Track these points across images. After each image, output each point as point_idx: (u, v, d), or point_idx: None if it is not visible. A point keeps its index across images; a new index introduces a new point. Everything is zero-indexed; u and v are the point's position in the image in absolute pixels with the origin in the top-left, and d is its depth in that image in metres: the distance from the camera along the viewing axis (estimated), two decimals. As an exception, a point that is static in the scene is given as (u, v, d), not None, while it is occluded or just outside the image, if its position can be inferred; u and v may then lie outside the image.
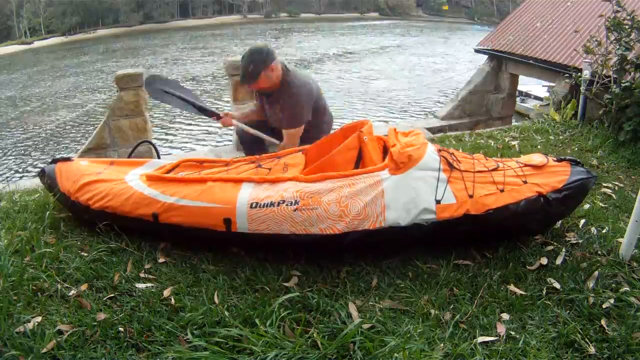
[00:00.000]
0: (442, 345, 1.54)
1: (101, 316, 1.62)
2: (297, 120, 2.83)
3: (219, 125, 3.11)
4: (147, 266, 1.96)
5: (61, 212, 2.37)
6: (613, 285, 1.86)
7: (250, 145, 3.15)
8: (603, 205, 2.59)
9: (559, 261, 2.01)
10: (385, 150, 2.39)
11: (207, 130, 13.10)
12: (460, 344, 1.54)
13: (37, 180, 2.69)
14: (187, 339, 1.53)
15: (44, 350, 1.46)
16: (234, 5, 56.92)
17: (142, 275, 1.90)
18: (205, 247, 2.09)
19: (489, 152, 3.55)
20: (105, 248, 2.04)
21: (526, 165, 2.20)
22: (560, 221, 2.32)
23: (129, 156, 2.82)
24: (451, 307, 1.76)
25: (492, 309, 1.75)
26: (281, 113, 2.84)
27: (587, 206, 2.53)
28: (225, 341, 1.52)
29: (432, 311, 1.73)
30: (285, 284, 1.87)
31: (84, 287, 1.80)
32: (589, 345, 1.57)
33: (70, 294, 1.76)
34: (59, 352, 1.46)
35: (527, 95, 14.02)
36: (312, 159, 2.44)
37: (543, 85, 12.77)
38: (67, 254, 1.99)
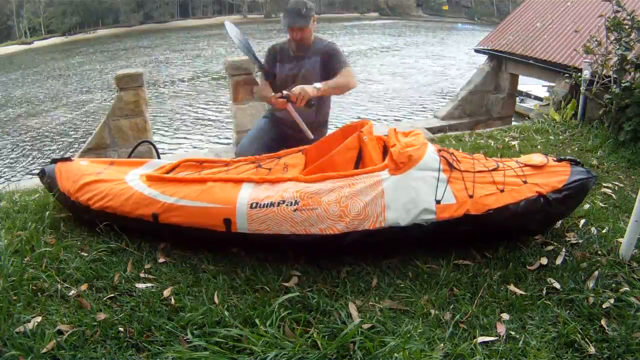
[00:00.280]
0: (442, 345, 1.54)
1: (101, 316, 1.62)
2: (346, 60, 2.81)
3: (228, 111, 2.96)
4: (147, 266, 1.97)
5: (61, 212, 2.37)
6: (613, 285, 1.86)
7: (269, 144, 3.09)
8: (603, 205, 2.59)
9: (559, 261, 2.01)
10: (385, 151, 2.39)
11: (207, 131, 13.13)
12: (460, 344, 1.54)
13: (37, 180, 2.69)
14: (187, 339, 1.54)
15: (44, 350, 1.46)
16: (234, 5, 56.95)
17: (142, 275, 1.90)
18: (205, 247, 2.09)
19: (489, 152, 3.56)
20: (105, 248, 2.04)
21: (526, 165, 2.20)
22: (560, 221, 2.32)
23: (129, 156, 2.82)
24: (451, 307, 1.76)
25: (492, 309, 1.75)
26: (325, 63, 2.78)
27: (587, 206, 2.53)
28: (225, 341, 1.52)
29: (432, 311, 1.73)
30: (285, 284, 1.87)
31: (84, 287, 1.80)
32: (589, 345, 1.57)
33: (70, 294, 1.76)
34: (59, 352, 1.46)
35: (527, 95, 14.02)
36: (312, 159, 2.44)
37: (543, 85, 12.77)
38: (67, 254, 1.99)
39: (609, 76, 4.18)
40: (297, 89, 2.53)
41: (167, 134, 13.14)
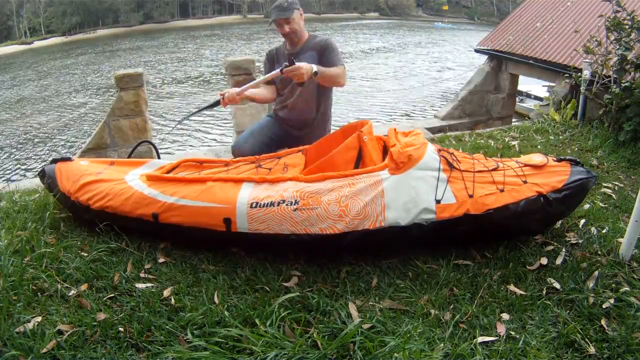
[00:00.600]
0: (442, 345, 1.54)
1: (101, 316, 1.62)
2: (340, 57, 2.82)
3: (229, 109, 2.99)
4: (147, 266, 1.97)
5: (61, 212, 2.37)
6: (613, 285, 1.86)
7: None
8: (603, 205, 2.59)
9: (559, 261, 2.01)
10: (385, 150, 2.39)
11: (207, 131, 13.11)
12: (460, 344, 1.54)
13: (37, 180, 2.69)
14: (187, 339, 1.54)
15: (44, 350, 1.46)
16: (234, 5, 56.95)
17: (142, 275, 1.90)
18: (205, 247, 2.09)
19: (489, 152, 3.56)
20: (105, 248, 2.04)
21: (526, 165, 2.20)
22: (560, 221, 2.32)
23: (129, 156, 2.82)
24: (451, 307, 1.76)
25: (492, 309, 1.75)
26: (320, 58, 2.78)
27: (587, 206, 2.53)
28: (225, 341, 1.52)
29: (432, 311, 1.73)
30: (285, 284, 1.87)
31: (84, 287, 1.80)
32: (589, 345, 1.57)
33: (70, 294, 1.76)
34: (59, 352, 1.46)
35: (527, 95, 14.01)
36: (312, 159, 2.44)
37: (543, 85, 12.77)
38: (67, 254, 1.99)
39: (609, 76, 4.18)
40: (293, 66, 2.49)
41: (167, 133, 13.13)
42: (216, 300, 1.75)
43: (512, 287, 1.86)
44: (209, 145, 10.97)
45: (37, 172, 2.60)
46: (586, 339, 1.59)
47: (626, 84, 3.81)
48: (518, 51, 7.31)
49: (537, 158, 2.26)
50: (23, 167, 11.42)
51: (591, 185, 2.19)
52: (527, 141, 3.87)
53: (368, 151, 2.27)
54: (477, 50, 8.38)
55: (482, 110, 8.30)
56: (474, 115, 8.24)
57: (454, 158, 2.15)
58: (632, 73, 4.01)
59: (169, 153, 9.93)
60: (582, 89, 4.45)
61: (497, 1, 53.24)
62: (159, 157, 2.99)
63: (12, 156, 12.40)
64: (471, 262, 2.03)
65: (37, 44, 42.49)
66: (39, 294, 1.74)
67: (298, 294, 1.78)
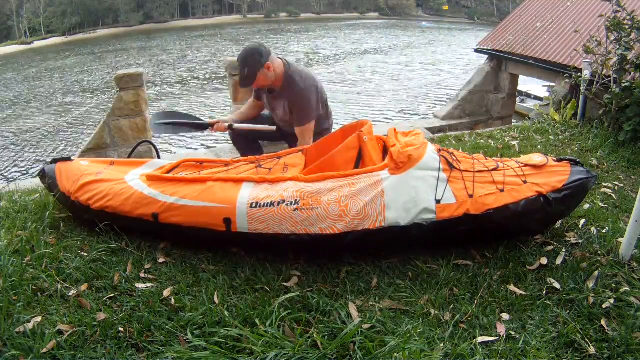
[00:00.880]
0: (442, 345, 1.54)
1: (101, 316, 1.62)
2: (308, 115, 2.78)
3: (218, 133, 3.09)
4: (147, 266, 1.97)
5: (61, 212, 2.37)
6: (613, 285, 1.86)
7: (244, 146, 3.14)
8: (603, 205, 2.59)
9: (559, 261, 2.01)
10: (385, 150, 2.39)
11: (208, 132, 13.07)
12: (460, 344, 1.54)
13: (37, 180, 2.69)
14: (187, 339, 1.54)
15: (44, 350, 1.46)
16: (234, 5, 56.94)
17: (142, 275, 1.90)
18: (205, 247, 2.09)
19: (489, 152, 3.56)
20: (105, 248, 2.04)
21: (526, 165, 2.20)
22: (560, 221, 2.32)
23: (129, 156, 2.82)
24: (451, 307, 1.76)
25: (492, 309, 1.75)
26: (291, 111, 2.81)
27: (587, 206, 2.53)
28: (225, 341, 1.52)
29: (432, 311, 1.73)
30: (285, 284, 1.87)
31: (84, 287, 1.80)
32: (589, 345, 1.57)
33: (70, 294, 1.76)
34: (59, 352, 1.46)
35: (527, 95, 14.01)
36: (312, 159, 2.44)
37: (543, 85, 12.77)
38: (67, 254, 1.99)
39: (609, 76, 4.17)
40: (212, 121, 2.92)
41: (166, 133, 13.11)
42: (216, 300, 1.75)
43: (512, 287, 1.86)
44: (208, 146, 10.98)
45: (37, 172, 2.59)
46: (586, 339, 1.59)
47: (626, 84, 3.81)
48: (518, 51, 7.30)
49: (537, 158, 2.26)
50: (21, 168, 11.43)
51: (591, 185, 2.19)
52: (527, 141, 3.87)
53: (368, 151, 2.27)
54: (477, 50, 8.38)
55: (482, 110, 8.30)
56: (474, 115, 8.24)
57: (454, 158, 2.15)
58: (632, 73, 4.01)
59: (169, 151, 9.94)
60: (582, 89, 4.44)
61: (497, 1, 53.25)
62: (159, 157, 2.99)
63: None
64: (471, 262, 2.03)
65: (37, 44, 42.47)
66: (39, 294, 1.74)
67: (298, 294, 1.78)
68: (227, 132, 3.09)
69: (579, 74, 4.53)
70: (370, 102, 15.68)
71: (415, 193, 1.96)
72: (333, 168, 2.17)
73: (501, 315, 1.72)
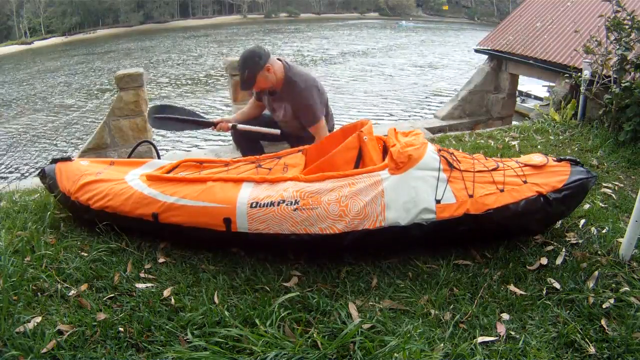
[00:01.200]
0: (442, 345, 1.54)
1: (101, 316, 1.62)
2: (315, 113, 2.79)
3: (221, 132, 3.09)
4: (147, 266, 1.97)
5: (61, 212, 2.37)
6: (613, 285, 1.86)
7: (246, 146, 3.15)
8: (603, 205, 2.59)
9: (559, 261, 2.01)
10: (385, 150, 2.39)
11: (208, 132, 13.08)
12: (460, 344, 1.54)
13: (37, 180, 2.69)
14: (187, 339, 1.54)
15: (44, 350, 1.46)
16: (234, 5, 56.94)
17: (142, 275, 1.90)
18: (205, 247, 2.09)
19: (489, 152, 3.56)
20: (105, 248, 2.04)
21: (526, 165, 2.20)
22: (560, 221, 2.32)
23: (129, 156, 2.82)
24: (451, 307, 1.76)
25: (492, 309, 1.75)
26: (295, 114, 2.82)
27: (587, 206, 2.53)
28: (225, 341, 1.52)
29: (432, 311, 1.73)
30: (285, 284, 1.87)
31: (84, 287, 1.80)
32: (589, 345, 1.57)
33: (70, 294, 1.76)
34: (59, 352, 1.46)
35: (527, 95, 14.01)
36: (312, 159, 2.44)
37: (543, 85, 12.77)
38: (67, 254, 1.99)
39: (609, 76, 4.17)
40: (217, 120, 2.94)
41: (167, 134, 13.12)
42: (216, 300, 1.75)
43: (512, 287, 1.86)
44: (208, 146, 10.98)
45: (37, 172, 2.59)
46: (586, 339, 1.59)
47: (626, 84, 3.81)
48: (518, 51, 7.30)
49: (537, 158, 2.26)
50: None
51: (591, 185, 2.19)
52: (527, 141, 3.87)
53: (368, 151, 2.27)
54: (477, 50, 8.38)
55: (482, 110, 8.30)
56: (474, 115, 8.23)
57: (454, 158, 2.15)
58: (632, 73, 4.01)
59: (168, 150, 9.93)
60: (582, 89, 4.44)
61: (497, 1, 53.26)
62: (159, 157, 2.99)
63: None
64: (471, 262, 2.03)
65: (37, 44, 42.50)
66: (39, 294, 1.74)
67: (298, 294, 1.78)
68: (228, 132, 3.09)
69: (579, 74, 4.53)
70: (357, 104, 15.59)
71: (415, 193, 1.96)
72: (333, 168, 2.17)
73: (501, 315, 1.72)
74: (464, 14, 55.77)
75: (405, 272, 1.98)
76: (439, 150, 2.16)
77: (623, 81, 3.92)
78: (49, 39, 43.99)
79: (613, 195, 2.75)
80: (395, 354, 1.47)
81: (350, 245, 1.96)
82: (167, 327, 1.59)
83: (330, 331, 1.60)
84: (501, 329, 1.64)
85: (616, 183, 2.94)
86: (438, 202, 1.97)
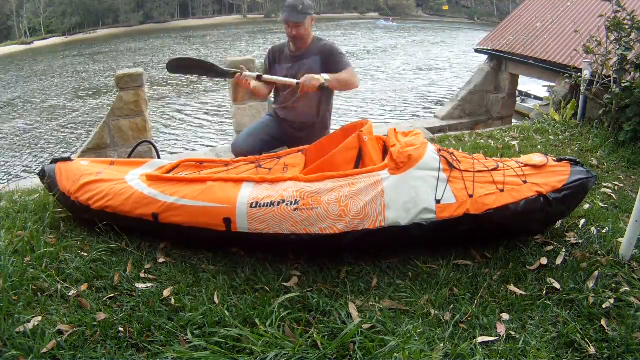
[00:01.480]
0: (442, 345, 1.54)
1: (101, 316, 1.62)
2: (347, 60, 2.84)
3: (229, 109, 2.99)
4: (147, 266, 1.97)
5: (61, 212, 2.37)
6: (613, 285, 1.86)
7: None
8: (603, 205, 2.59)
9: (559, 261, 2.01)
10: (385, 150, 2.39)
11: (208, 132, 13.10)
12: (460, 344, 1.54)
13: (37, 180, 2.69)
14: (187, 339, 1.53)
15: (44, 350, 1.46)
16: (234, 5, 56.94)
17: (142, 275, 1.90)
18: (205, 247, 2.09)
19: (489, 152, 3.56)
20: (105, 248, 2.04)
21: (526, 165, 2.20)
22: (560, 221, 2.32)
23: (129, 156, 2.82)
24: (451, 307, 1.76)
25: (492, 309, 1.75)
26: (326, 61, 2.80)
27: (587, 206, 2.53)
28: (225, 341, 1.52)
29: (432, 311, 1.73)
30: (285, 284, 1.87)
31: (84, 287, 1.80)
32: (589, 345, 1.57)
33: (70, 294, 1.76)
34: (59, 352, 1.46)
35: (527, 95, 14.01)
36: (312, 159, 2.44)
37: (543, 85, 12.77)
38: (67, 254, 1.99)
39: (609, 76, 4.17)
40: (305, 78, 2.61)
41: (167, 134, 13.14)
42: (216, 300, 1.75)
43: (512, 287, 1.86)
44: (208, 145, 10.99)
45: (37, 172, 2.59)
46: (586, 339, 1.59)
47: (626, 84, 3.81)
48: (518, 51, 7.30)
49: (537, 158, 2.26)
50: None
51: (591, 185, 2.19)
52: (527, 141, 3.87)
53: (368, 151, 2.27)
54: (477, 50, 8.38)
55: (482, 110, 8.30)
56: (474, 115, 8.24)
57: (454, 158, 2.15)
58: (632, 73, 4.01)
59: (170, 151, 9.94)
60: (582, 89, 4.44)
61: (497, 1, 53.26)
62: (159, 157, 2.99)
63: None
64: (471, 262, 2.03)
65: (37, 44, 42.50)
66: (39, 294, 1.74)
67: (298, 294, 1.78)
68: (229, 136, 3.06)
69: (579, 74, 4.53)
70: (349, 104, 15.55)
71: (415, 193, 1.96)
72: (333, 168, 2.17)
73: (501, 315, 1.72)
74: (464, 14, 55.75)
75: (405, 272, 1.98)
76: (439, 150, 2.16)
77: (623, 81, 3.92)
78: (49, 39, 43.98)
79: (613, 195, 2.75)
80: (395, 354, 1.47)
81: (350, 245, 1.96)
82: (167, 327, 1.59)
83: (330, 331, 1.60)
84: (501, 329, 1.64)
85: (616, 183, 2.94)
86: (438, 202, 1.97)
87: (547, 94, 10.58)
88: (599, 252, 2.07)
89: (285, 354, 1.46)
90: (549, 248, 2.12)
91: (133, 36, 41.94)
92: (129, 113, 5.15)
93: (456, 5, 58.26)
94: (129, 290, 1.80)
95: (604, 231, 2.25)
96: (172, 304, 1.72)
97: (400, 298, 1.81)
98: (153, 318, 1.63)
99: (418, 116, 13.67)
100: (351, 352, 1.50)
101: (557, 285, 1.86)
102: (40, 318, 1.60)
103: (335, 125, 3.11)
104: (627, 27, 4.01)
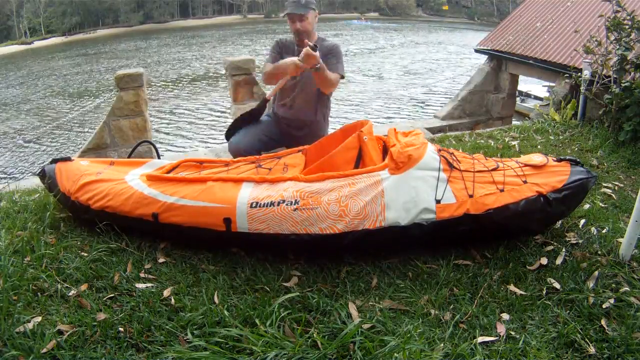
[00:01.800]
0: (442, 345, 1.54)
1: (101, 316, 1.62)
2: (342, 67, 2.88)
3: (230, 109, 3.06)
4: (147, 266, 1.97)
5: (61, 212, 2.37)
6: (613, 285, 1.86)
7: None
8: (603, 205, 2.59)
9: (559, 261, 2.01)
10: (385, 150, 2.39)
11: (208, 132, 13.10)
12: (460, 344, 1.54)
13: (37, 180, 2.69)
14: (187, 339, 1.53)
15: (44, 350, 1.46)
16: (234, 5, 56.94)
17: (142, 275, 1.90)
18: (205, 247, 2.09)
19: (489, 152, 3.55)
20: (105, 248, 2.04)
21: (526, 165, 2.20)
22: (560, 221, 2.32)
23: (129, 156, 2.82)
24: (451, 307, 1.76)
25: (492, 309, 1.75)
26: (328, 57, 2.82)
27: (587, 206, 2.53)
28: (225, 341, 1.52)
29: (432, 311, 1.73)
30: (285, 284, 1.87)
31: (84, 287, 1.80)
32: (589, 345, 1.57)
33: (70, 294, 1.76)
34: (59, 352, 1.46)
35: (527, 95, 14.01)
36: (312, 159, 2.44)
37: (543, 85, 12.77)
38: (67, 254, 1.99)
39: (609, 76, 4.17)
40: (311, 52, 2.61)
41: (167, 134, 13.13)
42: (216, 300, 1.75)
43: (512, 287, 1.86)
44: (208, 146, 10.99)
45: (37, 172, 2.59)
46: (586, 339, 1.59)
47: (626, 84, 3.81)
48: (518, 51, 7.31)
49: (537, 158, 2.26)
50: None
51: (591, 185, 2.19)
52: (527, 141, 3.87)
53: (368, 151, 2.27)
54: (477, 50, 8.38)
55: (482, 110, 8.30)
56: (474, 115, 8.24)
57: (454, 158, 2.15)
58: (632, 73, 4.01)
59: (170, 151, 9.93)
60: (582, 89, 4.44)
61: (497, 1, 53.26)
62: (159, 157, 2.98)
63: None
64: (471, 262, 2.03)
65: (37, 44, 42.49)
66: (39, 294, 1.74)
67: (298, 294, 1.78)
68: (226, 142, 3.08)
69: (579, 74, 4.53)
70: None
71: (415, 193, 1.96)
72: (333, 168, 2.17)
73: (501, 315, 1.72)
74: (464, 14, 55.75)
75: (405, 272, 1.98)
76: (439, 150, 2.16)
77: (623, 81, 3.92)
78: (49, 39, 43.97)
79: (613, 195, 2.75)
80: (395, 354, 1.47)
81: (350, 245, 1.96)
82: (167, 327, 1.59)
83: (330, 331, 1.60)
84: (501, 329, 1.64)
85: (616, 183, 2.94)
86: (438, 202, 1.97)
87: (547, 94, 10.58)
88: (599, 252, 2.07)
89: (285, 354, 1.46)
90: (549, 248, 2.12)
91: (133, 36, 41.95)
92: (129, 113, 5.15)
93: (456, 5, 58.25)
94: (129, 290, 1.80)
95: (604, 231, 2.25)
96: (172, 304, 1.72)
97: (400, 298, 1.81)
98: (153, 318, 1.63)
99: (413, 118, 13.66)
100: (351, 352, 1.50)
101: (557, 285, 1.86)
102: (40, 318, 1.60)
103: (335, 125, 3.12)
104: (627, 27, 4.01)
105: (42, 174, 2.40)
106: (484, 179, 2.09)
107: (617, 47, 4.06)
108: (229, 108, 6.35)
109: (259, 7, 57.23)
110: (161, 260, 2.01)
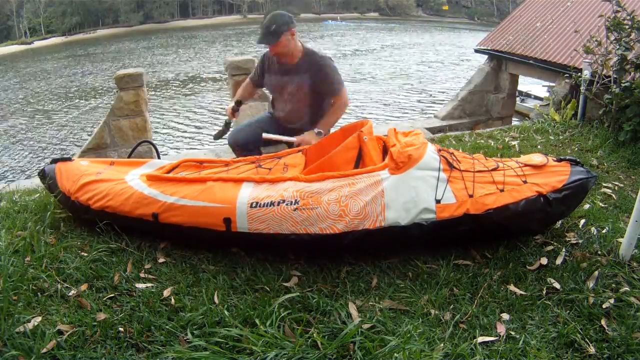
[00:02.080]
0: (442, 345, 1.54)
1: (101, 316, 1.62)
2: (339, 81, 2.83)
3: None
4: (147, 266, 1.97)
5: (61, 212, 2.37)
6: (613, 285, 1.86)
7: (240, 154, 3.13)
8: (603, 205, 2.59)
9: (559, 261, 2.01)
10: (385, 150, 2.39)
11: (208, 132, 13.08)
12: (460, 344, 1.54)
13: (37, 180, 2.68)
14: (187, 339, 1.53)
15: (44, 350, 1.46)
16: (234, 5, 56.96)
17: (142, 275, 1.90)
18: (205, 247, 2.09)
19: (489, 152, 3.56)
20: (105, 248, 2.04)
21: (526, 165, 2.20)
22: (560, 221, 2.32)
23: (129, 156, 2.82)
24: (451, 307, 1.76)
25: (492, 309, 1.75)
26: (314, 84, 2.77)
27: (587, 206, 2.53)
28: (225, 341, 1.52)
29: (432, 311, 1.73)
30: (285, 284, 1.87)
31: (84, 287, 1.80)
32: (589, 345, 1.57)
33: (70, 294, 1.76)
34: (59, 352, 1.46)
35: (527, 95, 14.01)
36: (312, 159, 2.44)
37: (543, 85, 12.76)
38: (67, 254, 1.99)
39: (609, 76, 4.17)
40: (301, 138, 2.73)
41: (167, 134, 13.13)
42: (216, 300, 1.75)
43: (512, 287, 1.86)
44: (208, 146, 10.98)
45: (37, 172, 2.59)
46: (586, 339, 1.59)
47: (626, 84, 3.81)
48: (518, 51, 7.31)
49: (537, 158, 2.26)
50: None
51: (591, 185, 2.19)
52: (527, 141, 3.87)
53: (368, 151, 2.27)
54: (477, 50, 8.38)
55: (482, 110, 8.30)
56: (474, 115, 8.24)
57: (454, 158, 2.15)
58: (632, 73, 4.01)
59: (170, 151, 9.93)
60: (582, 89, 4.44)
61: (497, 1, 53.27)
62: (159, 157, 2.98)
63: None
64: (471, 262, 2.03)
65: (37, 44, 42.49)
66: (39, 294, 1.74)
67: (298, 294, 1.78)
68: (222, 139, 3.11)
69: (579, 74, 4.53)
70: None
71: (415, 193, 1.96)
72: (333, 168, 2.17)
73: (501, 315, 1.72)
74: (463, 14, 55.76)
75: (405, 272, 1.98)
76: (439, 150, 2.16)
77: (623, 81, 3.92)
78: (49, 39, 43.97)
79: (613, 195, 2.75)
80: (395, 354, 1.47)
81: (350, 245, 1.96)
82: (167, 327, 1.59)
83: (330, 331, 1.60)
84: (501, 329, 1.64)
85: (616, 183, 2.94)
86: (438, 202, 1.97)
87: (547, 94, 10.58)
88: (599, 252, 2.07)
89: (285, 354, 1.46)
90: (549, 248, 2.12)
91: (133, 36, 41.94)
92: (129, 113, 5.16)
93: (456, 5, 58.25)
94: (129, 290, 1.80)
95: (604, 231, 2.25)
96: (172, 304, 1.72)
97: (400, 298, 1.81)
98: (153, 318, 1.63)
99: (411, 119, 13.65)
100: (351, 352, 1.50)
101: (557, 285, 1.86)
102: (40, 318, 1.60)
103: (334, 125, 3.12)
104: (627, 27, 4.01)
105: (43, 174, 2.40)
106: (484, 179, 2.09)
107: (617, 47, 4.06)
108: (229, 108, 6.32)
109: (259, 7, 57.23)
110: (161, 260, 2.01)
